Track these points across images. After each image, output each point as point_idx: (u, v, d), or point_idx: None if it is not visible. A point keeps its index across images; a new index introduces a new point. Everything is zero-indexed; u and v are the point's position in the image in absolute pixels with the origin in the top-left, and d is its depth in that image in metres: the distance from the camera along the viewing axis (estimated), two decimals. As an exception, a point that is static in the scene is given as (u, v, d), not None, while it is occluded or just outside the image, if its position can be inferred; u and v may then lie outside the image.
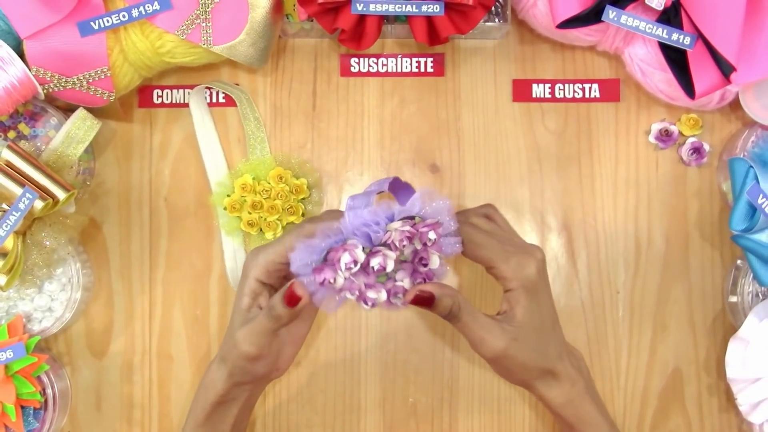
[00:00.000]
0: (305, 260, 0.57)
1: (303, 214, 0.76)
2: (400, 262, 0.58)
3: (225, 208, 0.75)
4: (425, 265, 0.58)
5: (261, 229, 0.75)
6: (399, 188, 0.60)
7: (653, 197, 0.78)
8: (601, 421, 0.64)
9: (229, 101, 0.78)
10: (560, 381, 0.63)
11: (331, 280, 0.56)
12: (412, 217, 0.57)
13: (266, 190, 0.75)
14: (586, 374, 0.65)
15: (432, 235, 0.57)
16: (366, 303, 0.58)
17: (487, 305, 0.77)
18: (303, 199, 0.76)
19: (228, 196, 0.75)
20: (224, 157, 0.77)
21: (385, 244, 0.56)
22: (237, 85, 0.78)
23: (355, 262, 0.56)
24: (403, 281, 0.58)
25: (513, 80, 0.78)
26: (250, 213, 0.75)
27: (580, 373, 0.64)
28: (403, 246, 0.56)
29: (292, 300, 0.57)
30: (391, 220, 0.57)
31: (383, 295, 0.58)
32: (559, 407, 0.63)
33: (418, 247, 0.58)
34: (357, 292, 0.57)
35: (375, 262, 0.56)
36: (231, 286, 0.77)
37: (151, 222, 0.78)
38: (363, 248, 0.56)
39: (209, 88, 0.78)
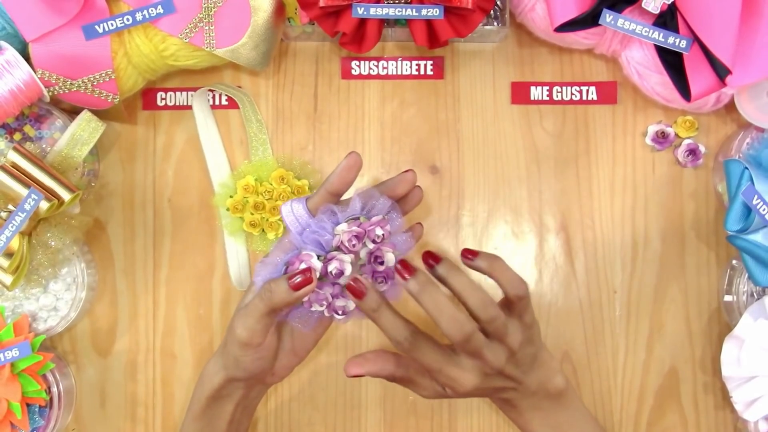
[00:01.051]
0: (267, 277, 0.58)
1: None
2: (359, 267, 0.59)
3: (227, 209, 0.75)
4: (381, 263, 0.59)
5: (263, 230, 0.75)
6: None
7: (650, 198, 0.78)
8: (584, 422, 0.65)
9: (232, 104, 0.78)
10: (537, 410, 0.64)
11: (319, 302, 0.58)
12: (357, 218, 0.58)
13: (268, 191, 0.75)
14: (560, 376, 0.64)
15: (379, 231, 0.57)
16: (337, 313, 0.59)
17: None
18: None
19: (230, 197, 0.75)
20: (227, 158, 0.77)
21: (337, 249, 0.57)
22: (239, 87, 0.78)
23: (312, 270, 0.56)
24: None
25: (511, 83, 0.78)
26: (252, 214, 0.75)
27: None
28: (353, 246, 0.57)
29: (298, 282, 0.57)
30: (337, 224, 0.58)
31: (351, 305, 0.59)
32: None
33: (371, 246, 0.58)
34: (325, 303, 0.58)
35: (332, 267, 0.57)
36: (233, 286, 0.77)
37: (155, 222, 0.78)
38: (318, 256, 0.57)
39: (212, 91, 0.78)
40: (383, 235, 0.58)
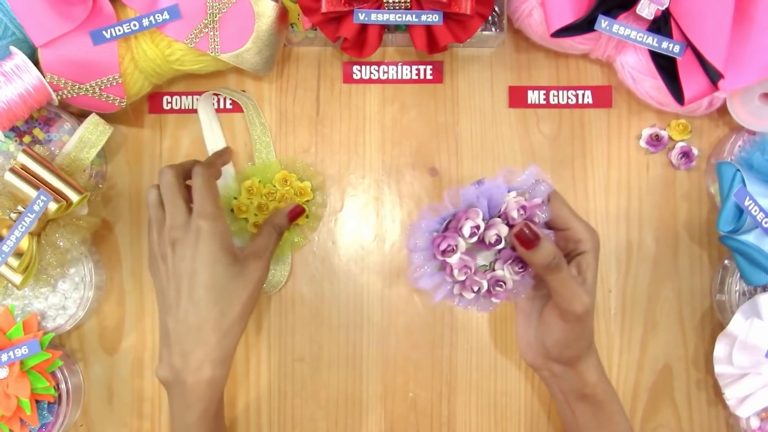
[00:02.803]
0: (430, 228, 0.57)
1: (307, 216, 0.75)
2: (498, 252, 0.58)
3: (232, 210, 0.75)
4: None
5: None
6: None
7: (644, 199, 0.77)
8: (618, 399, 0.65)
9: (236, 107, 0.78)
10: (595, 356, 0.63)
11: (454, 248, 0.56)
12: (524, 193, 0.57)
13: (271, 193, 0.74)
14: None
15: (540, 214, 0.57)
16: (472, 288, 0.58)
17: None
18: (307, 201, 0.76)
19: (235, 198, 0.75)
20: (231, 161, 0.77)
21: (499, 217, 0.57)
22: (243, 91, 0.77)
23: (478, 228, 0.56)
24: (503, 269, 0.58)
25: (509, 87, 0.78)
26: (256, 215, 0.74)
27: None
28: (521, 215, 0.56)
29: (297, 216, 0.70)
30: (508, 191, 0.57)
31: (485, 284, 0.58)
32: (593, 385, 0.63)
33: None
34: (468, 272, 0.57)
35: (491, 234, 0.56)
36: None
37: (161, 223, 0.78)
38: (483, 219, 0.56)
39: (217, 95, 0.78)
40: (539, 221, 0.57)
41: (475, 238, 0.56)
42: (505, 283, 0.59)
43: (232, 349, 0.63)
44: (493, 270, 0.59)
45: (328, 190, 0.78)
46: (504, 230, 0.57)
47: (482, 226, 0.56)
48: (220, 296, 0.62)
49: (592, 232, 0.61)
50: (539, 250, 0.57)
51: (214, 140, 0.77)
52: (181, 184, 0.66)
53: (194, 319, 0.61)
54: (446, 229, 0.57)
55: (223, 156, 0.74)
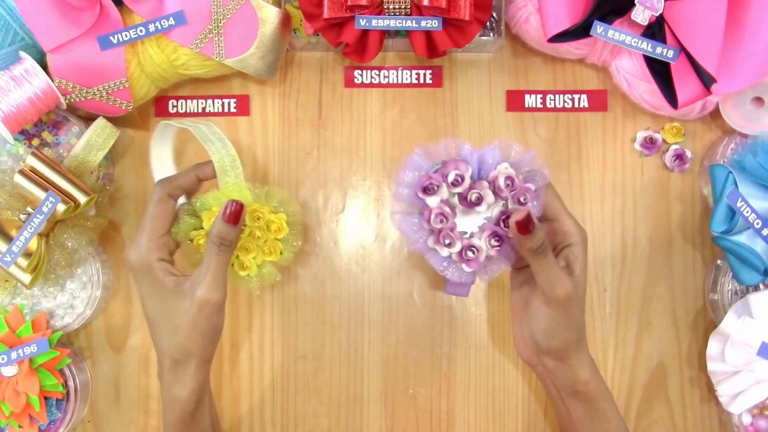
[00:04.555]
0: (421, 170, 0.59)
1: (282, 252, 0.65)
2: (481, 225, 0.60)
3: (192, 241, 0.63)
4: (507, 226, 0.59)
5: (232, 265, 0.65)
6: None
7: (638, 201, 0.77)
8: (611, 396, 0.65)
9: (240, 110, 0.78)
10: (586, 353, 0.63)
11: (435, 188, 0.57)
12: (517, 171, 0.58)
13: (241, 227, 0.62)
14: None
15: (528, 197, 0.58)
16: (444, 241, 0.59)
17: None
18: (280, 238, 0.65)
19: (195, 229, 0.63)
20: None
21: (486, 181, 0.58)
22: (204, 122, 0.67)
23: (462, 179, 0.57)
24: (481, 239, 0.59)
25: (507, 91, 0.78)
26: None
27: None
28: (507, 186, 0.57)
29: (233, 215, 0.59)
30: (500, 163, 0.58)
31: (458, 245, 0.59)
32: (585, 382, 0.63)
33: (510, 206, 0.59)
34: (443, 221, 0.58)
35: (474, 193, 0.57)
36: None
37: (167, 224, 0.77)
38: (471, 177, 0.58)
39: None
40: (526, 202, 0.58)
41: (457, 189, 0.57)
42: (478, 250, 0.60)
43: (193, 374, 0.61)
44: (471, 237, 0.60)
45: (330, 192, 0.78)
46: (488, 195, 0.58)
47: (467, 180, 0.57)
48: (161, 328, 0.61)
49: (580, 227, 0.62)
50: (534, 236, 0.57)
51: (162, 169, 0.71)
52: (163, 202, 0.62)
53: (156, 343, 0.62)
54: (435, 173, 0.59)
55: (203, 168, 0.64)
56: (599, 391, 0.64)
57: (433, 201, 0.59)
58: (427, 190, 0.58)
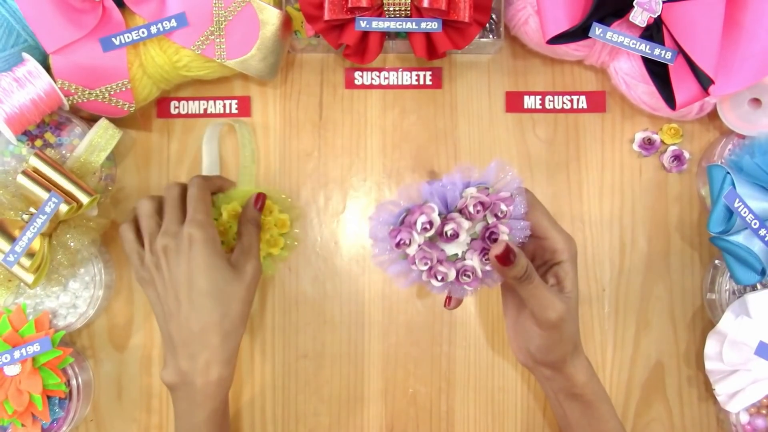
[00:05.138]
0: (385, 222, 0.56)
1: (283, 248, 0.72)
2: (470, 241, 0.57)
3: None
4: (494, 241, 0.56)
5: None
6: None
7: (637, 201, 0.77)
8: (609, 399, 0.65)
9: (242, 112, 0.78)
10: (582, 358, 0.63)
11: (407, 242, 0.55)
12: (487, 188, 0.56)
13: None
14: None
15: (504, 207, 0.55)
16: (436, 277, 0.56)
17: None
18: (284, 233, 0.73)
19: (215, 219, 0.71)
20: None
21: (459, 212, 0.55)
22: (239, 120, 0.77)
23: (431, 224, 0.54)
24: (472, 259, 0.57)
25: (506, 92, 0.78)
26: (234, 240, 0.71)
27: None
28: (477, 212, 0.55)
29: (262, 203, 0.68)
30: (467, 186, 0.56)
31: (452, 273, 0.57)
32: (582, 386, 0.62)
33: (490, 221, 0.56)
34: (429, 263, 0.56)
35: (449, 228, 0.55)
36: None
37: (169, 224, 0.77)
38: (439, 214, 0.55)
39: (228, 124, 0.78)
40: (506, 213, 0.55)
41: (429, 233, 0.55)
42: (473, 272, 0.57)
43: (236, 349, 0.64)
44: (464, 259, 0.58)
45: (331, 193, 0.78)
46: (464, 223, 0.55)
47: (436, 221, 0.55)
48: (219, 300, 0.62)
49: (569, 241, 0.61)
50: (516, 266, 0.56)
51: (210, 169, 0.77)
52: (183, 199, 0.67)
53: (197, 324, 0.62)
54: (402, 222, 0.56)
55: (224, 181, 0.74)
56: (596, 393, 0.63)
57: (411, 250, 0.56)
58: (400, 245, 0.56)
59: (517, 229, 0.58)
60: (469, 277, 0.57)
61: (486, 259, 0.57)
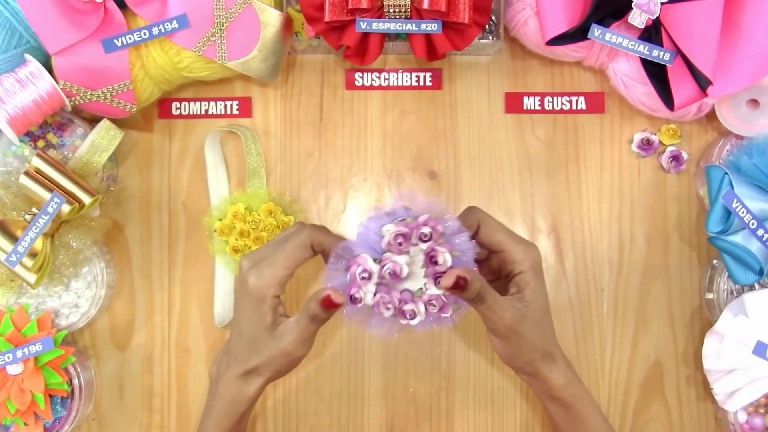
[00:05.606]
0: (336, 284, 0.56)
1: None
2: (423, 271, 0.56)
3: (215, 231, 0.74)
4: (436, 263, 0.56)
5: None
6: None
7: (635, 202, 0.77)
8: (592, 401, 0.65)
9: (243, 112, 0.78)
10: (558, 362, 0.63)
11: (360, 296, 0.55)
12: (403, 219, 0.55)
13: (255, 221, 0.73)
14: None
15: (425, 230, 0.54)
16: (406, 316, 0.56)
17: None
18: None
19: (220, 220, 0.74)
20: (228, 190, 0.77)
21: (389, 250, 0.55)
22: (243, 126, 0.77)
23: (367, 272, 0.54)
24: (432, 288, 0.56)
25: (505, 93, 0.78)
26: (236, 239, 0.73)
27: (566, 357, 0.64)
28: (400, 245, 0.54)
29: (330, 306, 0.56)
30: (384, 225, 0.55)
31: (421, 307, 0.56)
32: (560, 389, 0.63)
33: (423, 247, 0.56)
34: (392, 307, 0.56)
35: (386, 268, 0.55)
36: (214, 307, 0.76)
37: (170, 224, 0.78)
38: (375, 260, 0.55)
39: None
40: (431, 233, 0.55)
41: (373, 280, 0.55)
42: (438, 299, 0.57)
43: (254, 390, 0.62)
44: (426, 290, 0.57)
45: (331, 193, 0.78)
46: (399, 258, 0.55)
47: (374, 268, 0.55)
48: (246, 344, 0.61)
49: (528, 251, 0.60)
50: (468, 290, 0.56)
51: (217, 183, 0.77)
52: (304, 249, 0.61)
53: (233, 348, 0.62)
54: (348, 278, 0.56)
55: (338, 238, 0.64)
56: (575, 397, 0.63)
57: (368, 300, 0.56)
58: (354, 300, 0.56)
59: (458, 243, 0.57)
60: (435, 306, 0.57)
61: (438, 283, 0.57)
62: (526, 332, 0.60)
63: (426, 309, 0.57)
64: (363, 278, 0.55)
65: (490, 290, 0.57)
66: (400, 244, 0.54)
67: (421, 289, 0.57)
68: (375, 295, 0.56)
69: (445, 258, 0.56)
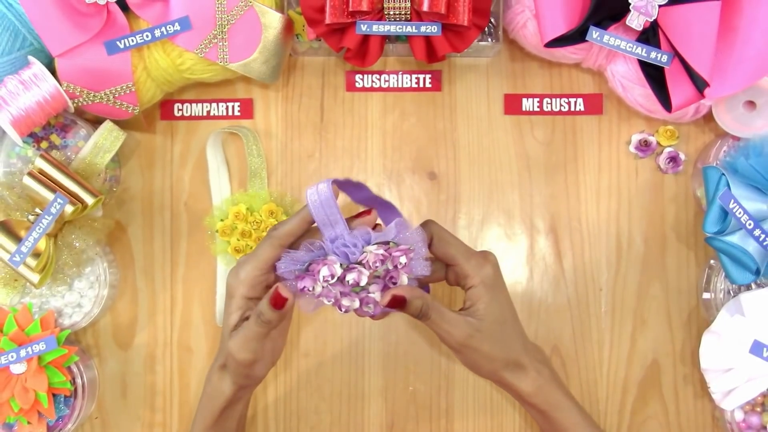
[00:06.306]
0: (289, 268, 0.57)
1: None
2: (373, 278, 0.58)
3: (217, 231, 0.74)
4: (394, 284, 0.58)
5: None
6: (381, 204, 0.61)
7: (633, 202, 0.77)
8: (571, 405, 0.64)
9: (244, 113, 0.78)
10: (526, 371, 0.63)
11: (310, 289, 0.56)
12: (387, 242, 0.57)
13: (257, 222, 0.74)
14: (549, 365, 0.65)
15: (403, 260, 0.57)
16: (340, 309, 0.59)
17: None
18: None
19: (222, 220, 0.74)
20: (230, 190, 0.77)
21: (360, 263, 0.56)
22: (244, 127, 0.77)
23: (333, 276, 0.56)
24: (375, 294, 0.58)
25: (504, 95, 0.78)
26: (238, 240, 0.74)
27: (543, 364, 0.64)
28: (375, 266, 0.56)
29: (278, 302, 0.56)
30: (368, 243, 0.57)
31: (356, 303, 0.58)
32: (530, 396, 0.63)
33: (390, 267, 0.57)
34: (333, 299, 0.58)
35: (350, 277, 0.56)
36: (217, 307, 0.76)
37: (172, 225, 0.78)
38: (341, 264, 0.56)
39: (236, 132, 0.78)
40: (405, 263, 0.57)
41: (332, 282, 0.56)
42: (376, 303, 0.59)
43: (228, 388, 0.61)
44: (368, 291, 0.58)
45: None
46: (363, 276, 0.56)
47: (338, 272, 0.56)
48: (221, 342, 0.62)
49: (480, 267, 0.61)
50: (409, 308, 0.58)
51: (219, 184, 0.77)
52: (274, 248, 0.60)
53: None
54: (307, 269, 0.57)
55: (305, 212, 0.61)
56: (548, 403, 0.63)
57: (317, 292, 0.58)
58: (304, 290, 0.57)
59: (417, 267, 0.59)
60: (371, 308, 0.59)
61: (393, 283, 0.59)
62: (480, 346, 0.60)
63: (361, 306, 0.59)
64: (326, 280, 0.56)
65: (437, 307, 0.59)
66: (376, 266, 0.56)
67: (360, 287, 0.58)
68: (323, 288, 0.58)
69: (402, 280, 0.58)
